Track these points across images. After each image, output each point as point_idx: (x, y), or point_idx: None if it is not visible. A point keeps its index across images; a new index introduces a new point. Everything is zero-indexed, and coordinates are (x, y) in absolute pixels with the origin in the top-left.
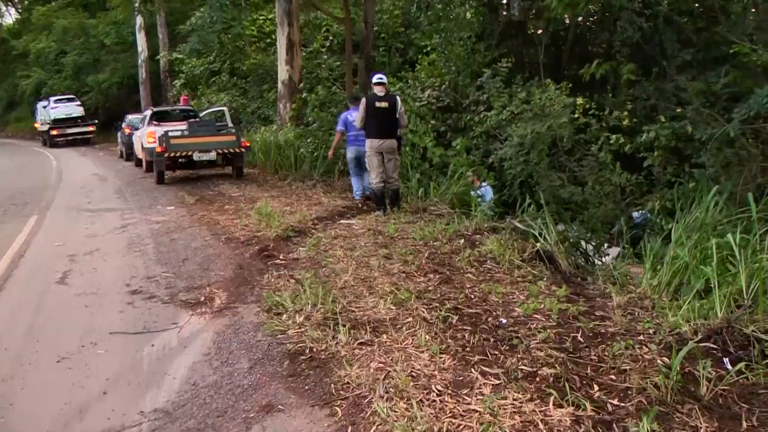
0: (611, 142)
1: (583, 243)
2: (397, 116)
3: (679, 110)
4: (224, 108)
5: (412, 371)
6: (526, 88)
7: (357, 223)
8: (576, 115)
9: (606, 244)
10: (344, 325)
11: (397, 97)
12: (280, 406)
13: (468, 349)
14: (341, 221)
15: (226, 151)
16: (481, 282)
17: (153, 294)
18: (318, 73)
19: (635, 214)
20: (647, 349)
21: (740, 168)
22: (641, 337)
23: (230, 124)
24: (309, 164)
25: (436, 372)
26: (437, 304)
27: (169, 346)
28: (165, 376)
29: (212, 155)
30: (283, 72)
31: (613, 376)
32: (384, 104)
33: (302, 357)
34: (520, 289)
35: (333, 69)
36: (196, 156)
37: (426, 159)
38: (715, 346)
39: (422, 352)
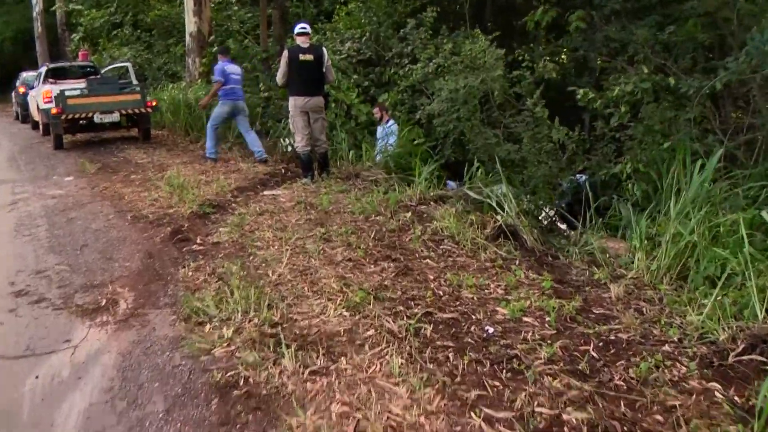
0: (578, 97)
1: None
2: (324, 70)
3: (610, 62)
4: (128, 64)
5: (389, 419)
6: (452, 40)
7: (283, 193)
8: (509, 69)
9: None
10: (288, 345)
11: (324, 49)
12: None
13: (458, 378)
14: (265, 192)
15: (130, 111)
16: (445, 270)
17: (42, 296)
18: (228, 26)
19: (580, 178)
20: (685, 369)
21: (723, 127)
22: (666, 348)
23: (135, 82)
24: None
25: (423, 419)
26: (402, 308)
27: (59, 376)
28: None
29: (115, 116)
30: (190, 24)
31: (660, 417)
32: (309, 57)
33: (235, 392)
34: (493, 279)
35: (244, 21)
36: (97, 118)
37: (352, 117)
38: (765, 359)
39: (397, 384)
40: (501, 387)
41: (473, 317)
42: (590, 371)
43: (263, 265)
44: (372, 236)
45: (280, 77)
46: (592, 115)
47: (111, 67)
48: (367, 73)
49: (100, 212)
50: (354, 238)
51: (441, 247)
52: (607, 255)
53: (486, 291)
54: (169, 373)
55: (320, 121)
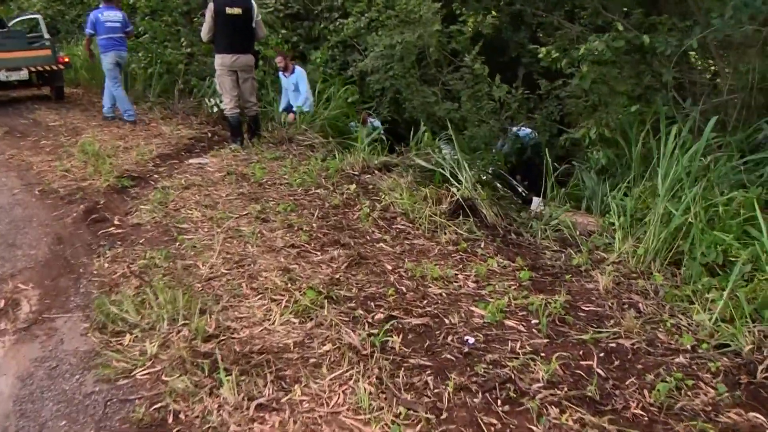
0: (540, 56)
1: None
2: (254, 25)
3: (546, 16)
4: (38, 16)
5: None
6: None
7: (211, 162)
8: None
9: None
10: (227, 369)
11: (253, 2)
12: None
13: (443, 415)
14: (191, 160)
15: (41, 68)
16: (404, 257)
17: None
18: None
19: (521, 133)
20: (713, 392)
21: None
22: (681, 360)
23: (46, 36)
24: (143, 83)
25: None
26: (361, 311)
27: None
28: None
29: (24, 74)
30: None
31: None
32: (237, 10)
33: None
34: (460, 268)
35: None
36: (3, 75)
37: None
38: None
39: (368, 422)
40: (500, 426)
41: (446, 321)
42: (601, 396)
43: (192, 254)
44: (315, 215)
45: (204, 32)
46: (528, 72)
47: (19, 19)
48: (295, 27)
49: (4, 186)
50: (295, 217)
51: (394, 226)
52: (578, 232)
53: (455, 284)
54: (79, 406)
55: (250, 81)
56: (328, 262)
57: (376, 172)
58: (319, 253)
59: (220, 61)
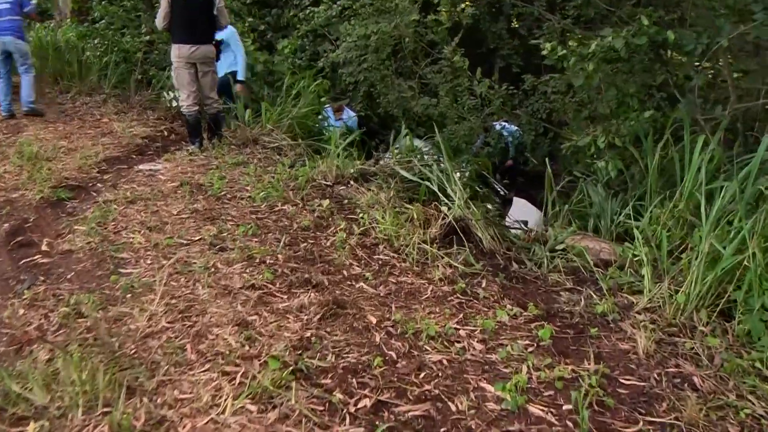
0: (544, 53)
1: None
2: (215, 12)
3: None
4: None
5: None
6: None
7: (164, 168)
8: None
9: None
10: None
11: None
12: None
13: None
14: (141, 166)
15: None
16: (390, 302)
17: None
18: None
19: (504, 131)
20: None
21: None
22: None
23: None
24: (97, 73)
25: None
26: (341, 396)
27: None
28: None
29: None
30: None
31: None
32: None
33: None
34: (461, 319)
35: None
36: None
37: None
38: None
39: None
40: None
41: (452, 407)
42: None
43: (129, 296)
44: (281, 241)
45: (160, 20)
46: (507, 63)
47: None
48: (263, 15)
49: None
50: (257, 245)
51: (376, 257)
52: (590, 261)
53: (457, 346)
54: None
55: (210, 75)
56: (296, 312)
57: (352, 182)
58: (285, 297)
59: (177, 52)
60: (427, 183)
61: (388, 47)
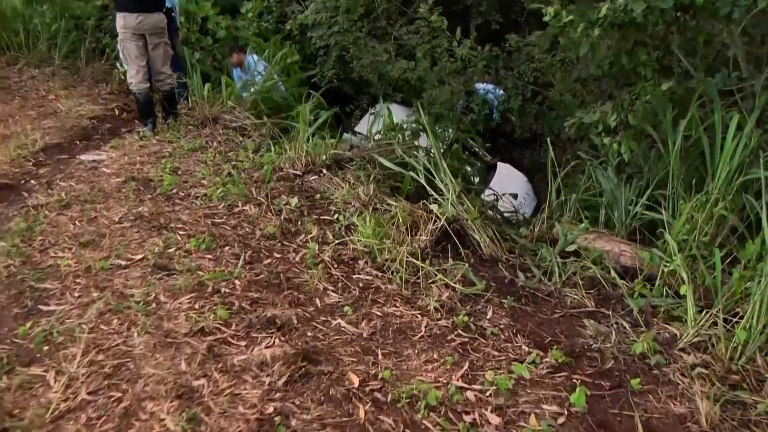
0: (545, 19)
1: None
2: None
3: None
4: None
5: None
6: None
7: (110, 157)
8: None
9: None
10: None
11: None
12: None
13: None
14: (83, 156)
15: None
16: (375, 347)
17: None
18: None
19: (489, 96)
20: None
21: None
22: None
23: None
24: (47, 42)
25: None
26: None
27: None
28: None
29: None
30: None
31: None
32: None
33: None
34: (468, 373)
35: None
36: None
37: (207, 33)
38: None
39: None
40: None
41: None
42: None
43: (45, 348)
44: (241, 257)
45: None
46: (485, 20)
47: None
48: None
49: None
50: (211, 264)
51: (356, 276)
52: (611, 269)
53: (467, 419)
54: None
55: (162, 47)
56: (256, 372)
57: (325, 171)
58: (243, 346)
59: (122, 22)
60: (412, 174)
61: (360, 7)
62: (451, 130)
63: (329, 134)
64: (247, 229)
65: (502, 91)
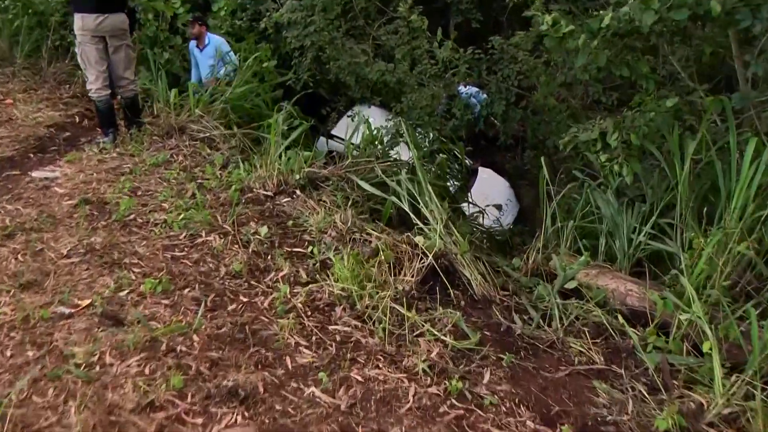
0: (543, 28)
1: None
2: None
3: None
4: None
5: None
6: None
7: (64, 173)
8: None
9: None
10: None
11: None
12: None
13: None
14: (35, 172)
15: None
16: (356, 423)
17: None
18: None
19: (472, 100)
20: None
21: None
22: None
23: None
24: (8, 40)
25: None
26: None
27: None
28: None
29: None
30: None
31: None
32: None
33: None
34: None
35: None
36: None
37: (177, 32)
38: None
39: None
40: None
41: None
42: None
43: None
44: (203, 305)
45: None
46: (465, 18)
47: None
48: None
49: None
50: (166, 312)
51: (333, 327)
52: (618, 312)
53: None
54: None
55: (123, 50)
56: None
57: (298, 192)
58: (199, 423)
59: (80, 23)
60: (395, 199)
61: (337, 5)
62: (432, 135)
63: (303, 147)
64: (211, 265)
65: (485, 95)
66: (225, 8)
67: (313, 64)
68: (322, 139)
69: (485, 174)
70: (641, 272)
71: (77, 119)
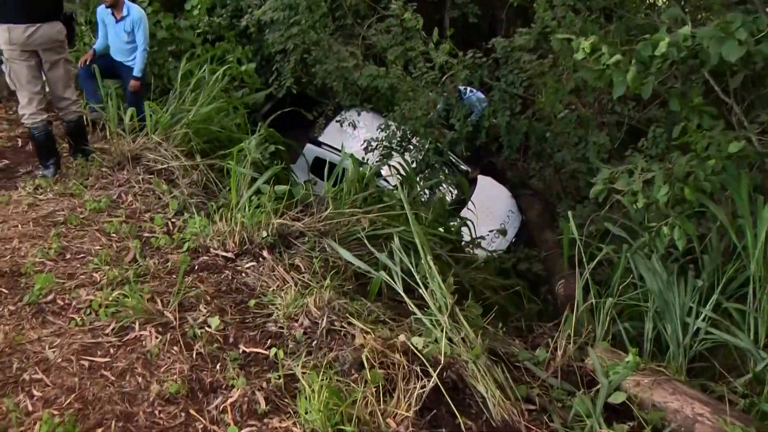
0: (581, 57)
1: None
2: None
3: None
4: None
5: None
6: None
7: None
8: None
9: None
10: None
11: None
12: None
13: None
14: None
15: None
16: None
17: None
18: None
19: (475, 108)
20: None
21: None
22: None
23: None
24: None
25: None
26: None
27: None
28: None
29: None
30: None
31: None
32: None
33: None
34: None
35: None
36: None
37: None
38: None
39: None
40: None
41: None
42: None
43: None
44: None
45: None
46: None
47: None
48: None
49: None
50: None
51: None
52: None
53: None
54: None
55: (61, 65)
56: None
57: (265, 254)
58: None
59: (8, 36)
60: (385, 276)
61: (323, 3)
62: (427, 145)
63: (278, 179)
64: (140, 382)
65: (486, 104)
66: (199, 7)
67: (299, 66)
68: (309, 146)
69: (485, 182)
70: (699, 370)
71: (20, 143)
